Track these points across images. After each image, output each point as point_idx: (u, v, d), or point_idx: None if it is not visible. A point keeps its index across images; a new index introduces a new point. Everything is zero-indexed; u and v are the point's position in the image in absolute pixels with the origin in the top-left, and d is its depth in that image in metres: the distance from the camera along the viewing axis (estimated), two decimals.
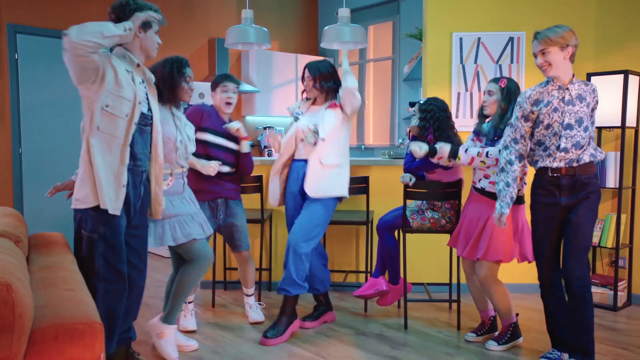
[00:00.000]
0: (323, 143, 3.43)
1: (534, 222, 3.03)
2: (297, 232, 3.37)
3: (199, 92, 6.03)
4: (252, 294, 3.81)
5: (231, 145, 3.57)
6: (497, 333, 3.40)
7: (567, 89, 2.86)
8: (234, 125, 3.49)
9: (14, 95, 5.23)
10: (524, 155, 3.00)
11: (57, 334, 1.66)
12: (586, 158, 2.88)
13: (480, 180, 3.27)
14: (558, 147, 2.86)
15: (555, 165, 2.89)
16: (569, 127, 2.83)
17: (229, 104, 3.55)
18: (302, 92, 3.65)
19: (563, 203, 2.91)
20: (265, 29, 4.70)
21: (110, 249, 2.45)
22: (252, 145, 3.65)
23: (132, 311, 2.75)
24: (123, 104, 2.44)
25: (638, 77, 4.06)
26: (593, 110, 2.92)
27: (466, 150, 3.23)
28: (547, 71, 2.85)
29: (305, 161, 3.49)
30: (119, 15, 2.49)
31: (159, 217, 2.80)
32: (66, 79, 2.49)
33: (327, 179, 3.45)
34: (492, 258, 3.16)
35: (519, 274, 4.34)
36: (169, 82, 3.06)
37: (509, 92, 3.18)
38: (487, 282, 3.22)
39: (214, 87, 3.57)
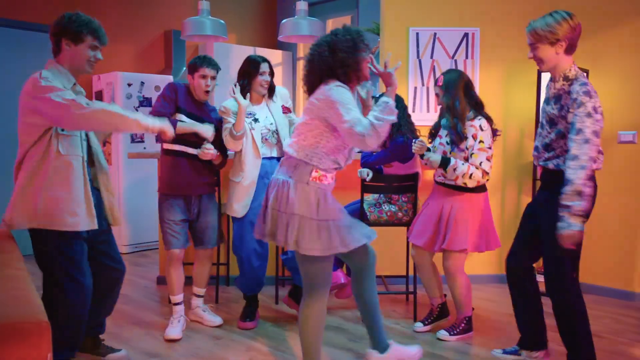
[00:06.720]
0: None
1: None
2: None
3: (155, 84, 5.90)
4: (203, 295, 3.63)
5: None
6: (447, 322, 3.46)
7: (549, 86, 2.65)
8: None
9: None
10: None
11: (2, 334, 1.60)
12: (551, 166, 2.60)
13: (440, 173, 3.31)
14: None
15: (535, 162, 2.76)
16: (541, 125, 2.69)
17: (207, 92, 3.37)
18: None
19: (537, 197, 2.80)
20: (222, 22, 4.64)
21: (69, 261, 2.45)
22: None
23: (107, 308, 2.86)
24: None
25: (586, 72, 4.18)
26: (575, 115, 2.43)
27: (455, 170, 3.09)
28: (540, 67, 2.61)
29: (269, 159, 3.43)
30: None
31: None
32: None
33: None
34: (457, 247, 3.18)
35: (476, 265, 4.43)
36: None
37: (448, 86, 3.18)
38: (453, 272, 3.25)
39: (191, 71, 3.33)
